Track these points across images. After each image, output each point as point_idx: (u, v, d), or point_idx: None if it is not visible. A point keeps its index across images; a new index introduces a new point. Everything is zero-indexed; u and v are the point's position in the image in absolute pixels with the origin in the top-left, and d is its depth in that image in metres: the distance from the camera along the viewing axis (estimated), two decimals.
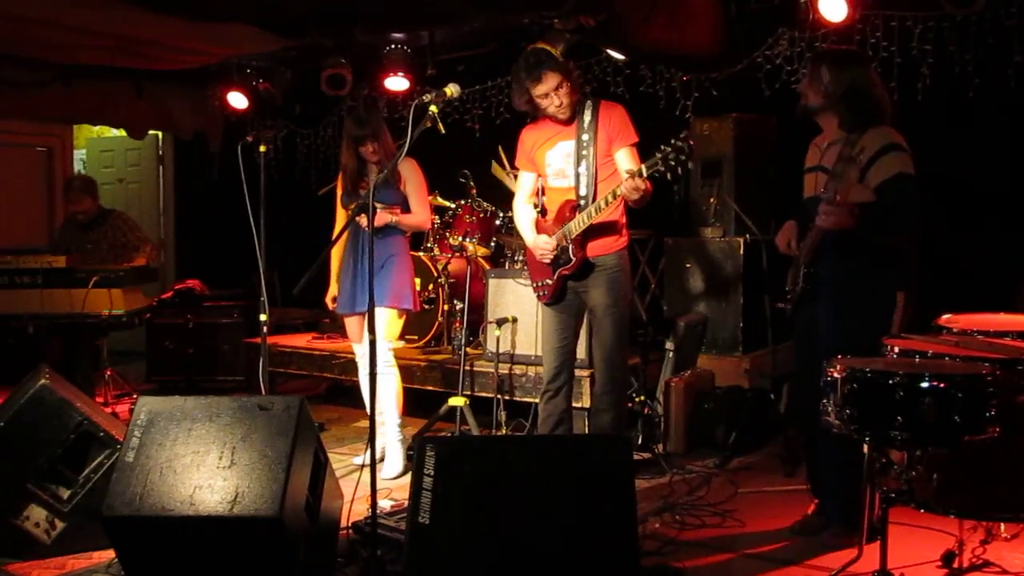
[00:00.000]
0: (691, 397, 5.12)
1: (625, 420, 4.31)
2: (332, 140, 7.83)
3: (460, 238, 5.56)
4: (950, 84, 5.15)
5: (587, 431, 4.69)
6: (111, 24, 5.71)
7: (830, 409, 3.03)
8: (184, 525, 2.95)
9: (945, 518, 3.30)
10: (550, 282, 4.14)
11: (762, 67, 5.71)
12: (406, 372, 5.53)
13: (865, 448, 3.09)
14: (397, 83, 6.68)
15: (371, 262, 3.34)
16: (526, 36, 5.84)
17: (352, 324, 4.70)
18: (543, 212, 4.39)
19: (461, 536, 2.78)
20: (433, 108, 3.51)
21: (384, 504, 3.98)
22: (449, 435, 4.97)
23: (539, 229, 4.21)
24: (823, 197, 3.47)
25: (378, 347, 3.42)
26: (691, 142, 3.58)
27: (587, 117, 4.03)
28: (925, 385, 2.84)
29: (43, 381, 3.68)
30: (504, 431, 5.03)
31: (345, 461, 4.76)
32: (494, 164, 5.83)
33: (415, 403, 5.73)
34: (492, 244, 5.65)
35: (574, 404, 4.61)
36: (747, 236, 5.67)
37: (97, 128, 9.39)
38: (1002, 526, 3.45)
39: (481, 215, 5.58)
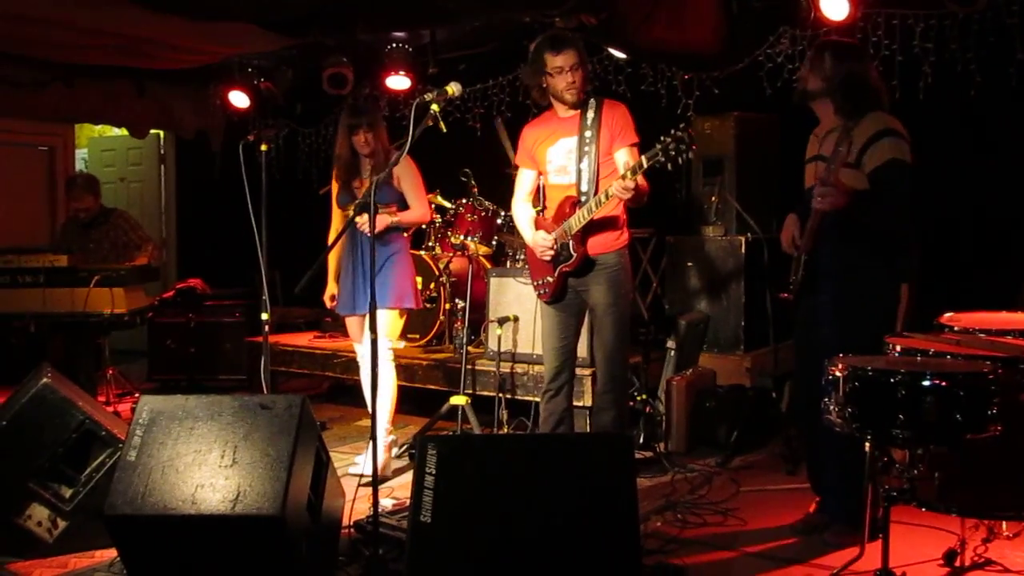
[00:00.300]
0: (693, 396, 5.12)
1: (627, 419, 4.31)
2: (333, 139, 7.76)
3: (462, 237, 5.56)
4: (952, 83, 5.15)
5: (588, 430, 4.69)
6: (113, 23, 5.71)
7: (832, 408, 3.03)
8: (186, 524, 2.95)
9: (947, 516, 3.30)
10: (551, 280, 4.14)
11: (764, 65, 5.70)
12: (407, 371, 5.54)
13: (867, 446, 3.09)
14: (398, 82, 6.67)
15: (372, 262, 3.34)
16: (527, 35, 5.83)
17: (353, 324, 4.69)
18: (543, 209, 4.39)
19: (463, 535, 2.78)
20: (435, 107, 3.51)
21: (386, 503, 3.98)
22: (451, 434, 4.97)
23: (538, 227, 4.20)
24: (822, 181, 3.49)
25: (375, 348, 3.42)
26: (691, 132, 3.56)
27: (590, 114, 4.03)
28: (927, 384, 2.84)
29: (45, 380, 3.68)
30: (505, 430, 5.03)
31: (347, 460, 4.76)
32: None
33: (416, 402, 5.74)
34: (493, 243, 5.66)
35: (576, 403, 4.61)
36: (749, 235, 5.67)
37: (99, 127, 9.40)
38: (1004, 524, 3.44)
39: (482, 214, 5.58)
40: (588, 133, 4.02)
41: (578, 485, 2.81)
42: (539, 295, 4.25)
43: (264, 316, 4.22)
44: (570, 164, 4.07)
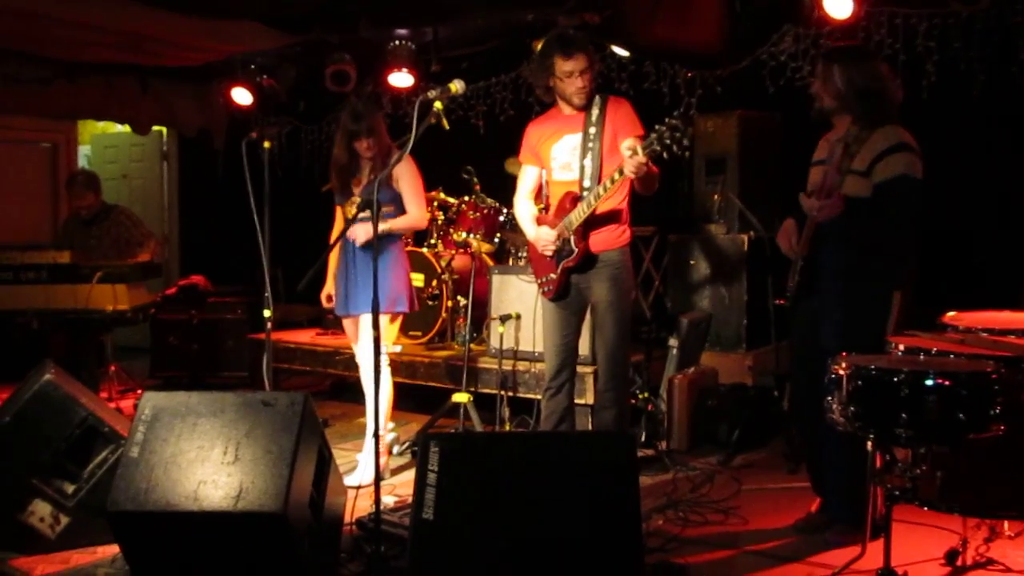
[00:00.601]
0: (694, 394, 5.12)
1: (628, 417, 4.30)
2: (335, 137, 7.82)
3: (464, 234, 5.56)
4: (955, 82, 5.14)
5: (590, 428, 4.69)
6: (116, 20, 5.72)
7: (834, 407, 3.03)
8: (188, 520, 2.95)
9: (949, 516, 3.30)
10: (554, 277, 4.14)
11: (767, 64, 5.70)
12: (409, 368, 5.55)
13: (869, 446, 3.09)
14: (401, 79, 6.67)
15: (375, 263, 3.34)
16: (530, 33, 5.85)
17: (348, 326, 4.67)
18: (546, 208, 4.39)
19: (465, 532, 2.78)
20: (438, 104, 3.51)
21: (388, 500, 3.98)
22: (453, 432, 4.97)
23: (540, 223, 4.20)
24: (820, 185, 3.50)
25: (373, 354, 3.42)
26: (685, 122, 3.53)
27: (595, 112, 4.03)
28: (930, 383, 2.84)
29: (48, 377, 3.68)
30: (507, 428, 5.03)
31: (349, 457, 4.76)
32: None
33: (418, 399, 5.75)
34: (496, 240, 5.66)
35: (577, 401, 4.61)
36: (751, 233, 5.66)
37: (101, 124, 9.39)
38: (1006, 524, 3.44)
39: (485, 211, 5.59)
40: (592, 130, 4.02)
41: (580, 483, 2.81)
42: (543, 292, 4.25)
43: (266, 313, 4.21)
44: (574, 161, 4.07)
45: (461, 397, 4.88)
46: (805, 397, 3.64)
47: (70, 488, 3.62)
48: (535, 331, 5.04)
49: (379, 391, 3.49)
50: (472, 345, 5.26)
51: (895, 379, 2.87)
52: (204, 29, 5.93)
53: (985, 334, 3.39)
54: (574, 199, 4.02)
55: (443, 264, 5.80)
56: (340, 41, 6.53)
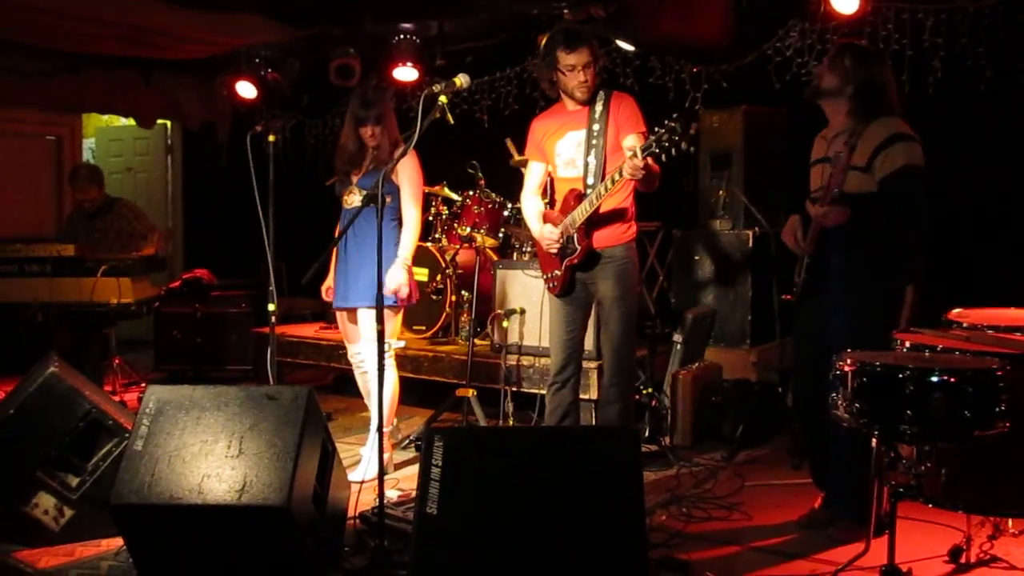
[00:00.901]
0: (698, 390, 5.12)
1: (632, 412, 4.30)
2: (340, 130, 7.81)
3: (468, 229, 5.55)
4: (962, 77, 5.13)
5: (594, 423, 4.68)
6: (120, 13, 5.72)
7: (839, 403, 3.02)
8: (192, 514, 2.95)
9: (953, 513, 3.30)
10: (559, 273, 4.14)
11: (772, 59, 5.69)
12: (413, 362, 5.55)
13: (874, 442, 3.09)
14: (406, 73, 6.66)
15: (379, 256, 3.33)
16: (535, 27, 5.84)
17: (343, 320, 4.58)
18: (551, 204, 4.39)
19: (469, 527, 2.78)
20: (442, 99, 3.49)
21: (391, 494, 3.99)
22: (457, 426, 4.98)
23: (546, 220, 4.20)
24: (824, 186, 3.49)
25: (376, 344, 3.41)
26: (687, 122, 3.51)
27: (599, 107, 4.02)
28: (935, 380, 2.83)
29: (52, 369, 3.68)
30: (511, 422, 5.03)
31: (352, 451, 4.77)
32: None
33: (422, 394, 5.75)
34: (500, 235, 5.65)
35: (582, 396, 4.60)
36: (756, 229, 5.65)
37: (106, 117, 9.41)
38: (1010, 522, 3.44)
39: (489, 206, 5.58)
40: (596, 126, 4.01)
41: (584, 478, 2.81)
42: (548, 288, 4.25)
43: (270, 307, 4.21)
44: (578, 157, 4.06)
45: (465, 392, 4.88)
46: (809, 393, 3.64)
47: (74, 481, 3.62)
48: (539, 326, 5.04)
49: (383, 385, 3.49)
50: (476, 340, 5.26)
51: (900, 376, 2.86)
52: (208, 22, 5.93)
53: (991, 331, 3.38)
54: (578, 196, 4.02)
55: (447, 259, 5.79)
56: (344, 35, 6.53)
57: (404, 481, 4.34)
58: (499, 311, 5.31)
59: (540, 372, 5.06)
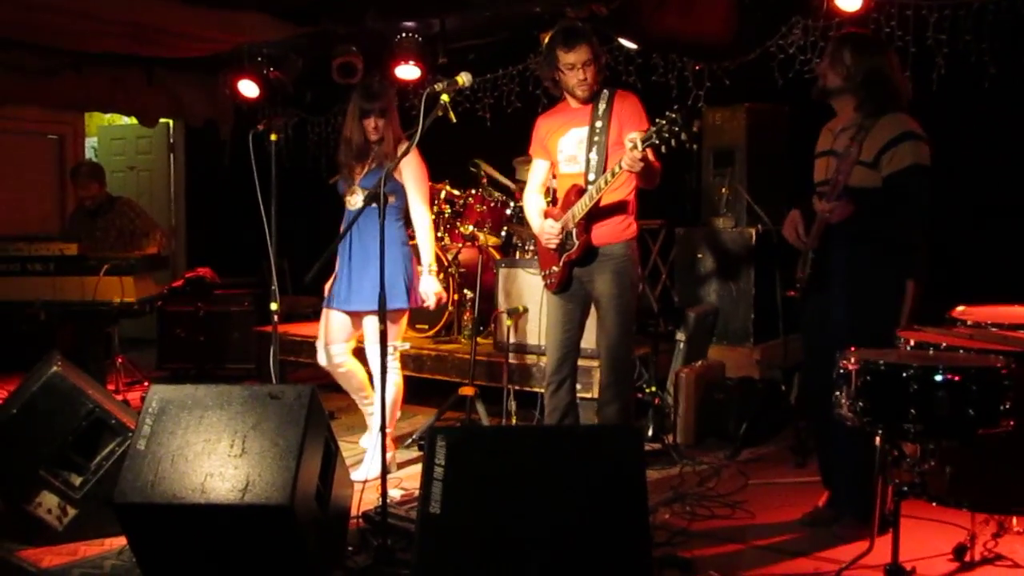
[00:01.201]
0: (701, 388, 5.11)
1: (632, 412, 4.27)
2: (343, 128, 7.81)
3: (471, 227, 5.55)
4: (966, 74, 5.11)
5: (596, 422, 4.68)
6: (123, 11, 5.72)
7: (843, 401, 3.01)
8: (195, 513, 2.95)
9: (957, 511, 3.29)
10: (556, 269, 4.13)
11: (775, 56, 5.68)
12: (416, 361, 5.54)
13: (877, 440, 3.08)
14: (408, 71, 6.65)
15: (382, 256, 3.32)
16: (538, 25, 5.83)
17: (334, 318, 4.45)
18: (554, 201, 4.38)
19: (472, 526, 2.77)
20: (445, 97, 3.49)
21: (394, 493, 3.99)
22: (459, 425, 4.97)
23: (546, 216, 4.20)
24: (830, 181, 3.47)
25: (380, 349, 3.41)
26: (686, 113, 3.50)
27: (602, 105, 4.02)
28: (939, 378, 2.83)
29: (55, 368, 3.69)
30: (514, 421, 5.02)
31: (355, 450, 4.77)
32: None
33: (425, 393, 5.75)
34: (503, 234, 5.64)
35: (584, 395, 4.60)
36: (759, 226, 5.64)
37: (108, 115, 9.41)
38: (1014, 520, 3.43)
39: (492, 204, 5.58)
40: (599, 123, 4.01)
41: (587, 477, 2.80)
42: (546, 285, 4.24)
43: (273, 306, 4.21)
44: (580, 154, 4.06)
45: (467, 391, 4.88)
46: (816, 390, 3.63)
47: (77, 480, 3.63)
48: (542, 325, 5.03)
49: (385, 385, 3.49)
50: (479, 339, 5.25)
51: (904, 374, 2.86)
52: (211, 20, 5.93)
53: (995, 329, 3.37)
54: (579, 191, 4.01)
55: (450, 257, 5.79)
56: (347, 33, 6.52)
57: (407, 480, 4.34)
58: (502, 310, 5.31)
59: (543, 371, 5.03)
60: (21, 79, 7.01)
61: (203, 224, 9.07)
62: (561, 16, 5.44)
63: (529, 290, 5.23)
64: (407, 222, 4.46)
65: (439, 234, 6.02)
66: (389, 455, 4.41)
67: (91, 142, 9.43)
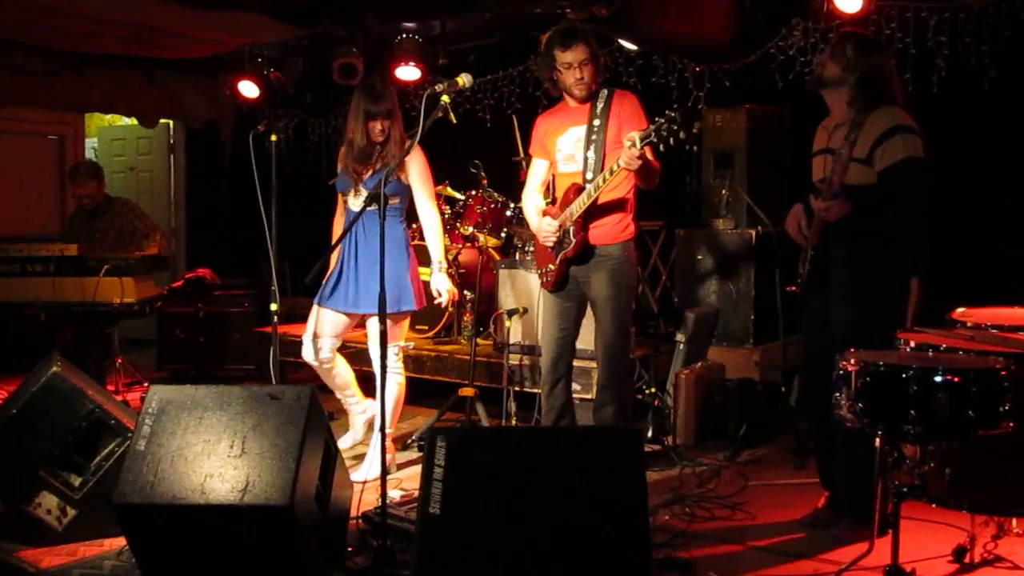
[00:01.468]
0: (701, 389, 5.11)
1: (629, 414, 4.26)
2: (343, 129, 7.82)
3: (471, 228, 5.55)
4: (966, 76, 5.12)
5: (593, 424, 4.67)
6: (123, 12, 5.72)
7: (843, 403, 3.02)
8: (195, 513, 2.95)
9: (957, 513, 3.29)
10: (553, 268, 4.13)
11: (776, 58, 5.68)
12: (416, 362, 5.54)
13: (877, 442, 3.08)
14: (408, 72, 6.65)
15: (382, 258, 3.32)
16: (538, 26, 5.81)
17: (327, 316, 4.41)
18: (553, 200, 4.39)
19: (471, 527, 2.77)
20: (445, 98, 3.49)
21: (394, 494, 3.99)
22: (459, 426, 4.97)
23: (544, 215, 4.20)
24: (827, 179, 3.48)
25: (380, 346, 3.41)
26: (685, 112, 3.51)
27: (600, 105, 4.03)
28: (939, 379, 2.83)
29: (55, 369, 3.69)
30: (514, 422, 5.02)
31: (355, 450, 4.76)
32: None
33: (425, 393, 5.75)
34: (503, 235, 5.64)
35: (584, 396, 4.60)
36: (759, 228, 5.65)
37: (108, 116, 9.41)
38: (1014, 521, 3.42)
39: (492, 205, 5.58)
40: (597, 122, 4.01)
41: (587, 478, 2.80)
42: (543, 283, 4.24)
43: (273, 306, 4.20)
44: (578, 152, 4.07)
45: (467, 392, 4.88)
46: (816, 390, 3.63)
47: (77, 480, 3.63)
48: (541, 326, 5.03)
49: (385, 385, 3.49)
50: (478, 339, 5.25)
51: (904, 375, 2.86)
52: (211, 21, 5.93)
53: (995, 330, 3.37)
54: (578, 190, 4.02)
55: (450, 258, 5.79)
56: (347, 34, 6.52)
57: (407, 481, 4.34)
58: (502, 311, 5.31)
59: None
60: (21, 80, 7.01)
61: (203, 225, 9.07)
62: (561, 17, 5.44)
63: (529, 291, 5.23)
64: (410, 223, 4.48)
65: None
66: (389, 456, 4.41)
67: (91, 143, 9.42)
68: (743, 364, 5.52)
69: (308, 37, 6.57)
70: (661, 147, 3.56)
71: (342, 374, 4.57)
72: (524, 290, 5.28)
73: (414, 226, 4.76)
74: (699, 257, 5.87)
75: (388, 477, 3.42)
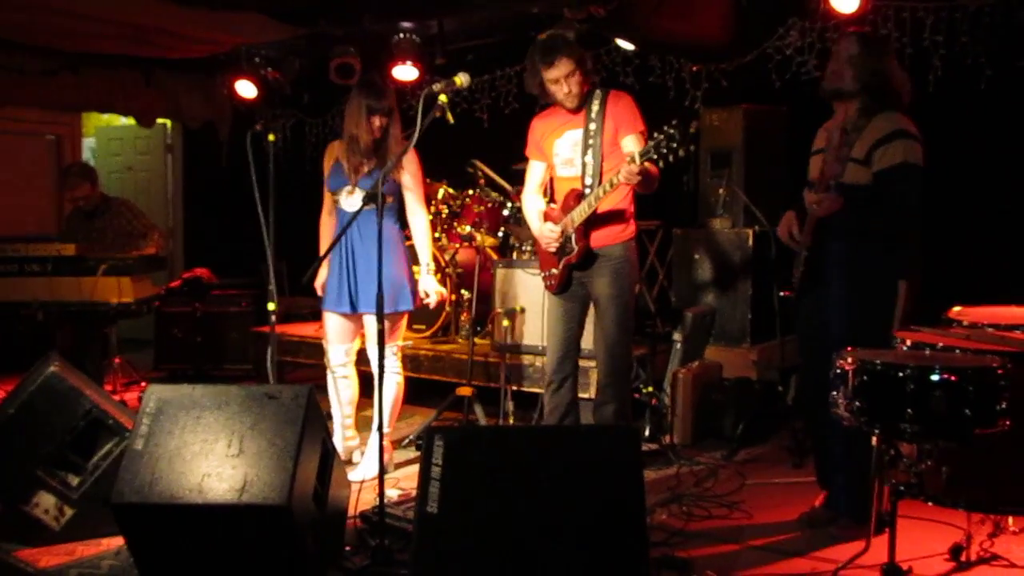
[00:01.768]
0: (699, 388, 5.12)
1: (629, 412, 4.27)
2: (341, 129, 7.82)
3: (468, 228, 5.55)
4: (962, 76, 5.13)
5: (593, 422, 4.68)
6: (121, 12, 5.71)
7: (840, 401, 3.02)
8: (192, 513, 2.95)
9: (953, 511, 3.30)
10: (556, 272, 4.14)
11: (772, 57, 5.69)
12: (413, 361, 5.54)
13: (874, 441, 3.09)
14: (406, 72, 6.65)
15: (380, 258, 3.32)
16: (536, 25, 5.83)
17: (334, 321, 4.44)
18: (553, 200, 4.39)
19: (469, 526, 2.78)
20: (443, 97, 3.49)
21: (392, 493, 3.99)
22: (457, 425, 4.98)
23: (547, 219, 4.21)
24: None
25: (379, 350, 3.41)
26: (686, 128, 3.50)
27: (595, 107, 4.02)
28: (936, 378, 2.83)
29: (53, 369, 3.69)
30: (511, 421, 5.03)
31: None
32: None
33: (422, 393, 5.75)
34: (500, 234, 5.65)
35: (582, 395, 4.60)
36: (756, 227, 5.65)
37: (106, 116, 9.40)
38: (1010, 519, 3.44)
39: (489, 205, 5.58)
40: (593, 126, 4.01)
41: (584, 477, 2.81)
42: (546, 286, 4.25)
43: (271, 306, 4.21)
44: (576, 157, 4.07)
45: (465, 391, 4.88)
46: (812, 390, 3.64)
47: (75, 480, 3.63)
48: (539, 325, 5.04)
49: (383, 384, 3.49)
50: (476, 339, 5.26)
51: (901, 374, 2.87)
52: (209, 21, 5.92)
53: (991, 329, 3.38)
54: (578, 196, 4.03)
55: (447, 258, 5.79)
56: (344, 34, 6.52)
57: (404, 480, 4.35)
58: (499, 310, 5.31)
59: (540, 371, 5.06)
60: (19, 80, 7.00)
61: (201, 225, 9.07)
62: (559, 17, 5.44)
63: (526, 290, 5.23)
64: (403, 223, 4.47)
65: (437, 234, 6.02)
66: (387, 455, 4.42)
67: (89, 143, 9.42)
68: (740, 363, 5.52)
69: (305, 37, 6.57)
70: (660, 163, 3.57)
71: (351, 389, 4.55)
72: (521, 290, 5.28)
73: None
74: (696, 256, 5.88)
75: (386, 476, 3.42)
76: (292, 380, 6.27)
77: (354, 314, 4.39)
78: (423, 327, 5.90)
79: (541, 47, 3.97)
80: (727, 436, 4.99)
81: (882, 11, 5.26)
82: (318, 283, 4.56)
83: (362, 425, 5.15)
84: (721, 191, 5.84)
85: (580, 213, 3.97)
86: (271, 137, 4.25)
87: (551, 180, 4.40)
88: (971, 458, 3.13)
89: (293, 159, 8.06)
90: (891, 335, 3.36)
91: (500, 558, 2.74)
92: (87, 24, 5.85)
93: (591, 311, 4.29)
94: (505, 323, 5.19)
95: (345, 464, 4.65)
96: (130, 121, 8.63)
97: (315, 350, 6.10)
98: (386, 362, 3.45)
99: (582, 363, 4.42)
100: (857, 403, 2.95)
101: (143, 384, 6.30)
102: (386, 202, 4.17)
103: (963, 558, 3.27)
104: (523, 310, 5.24)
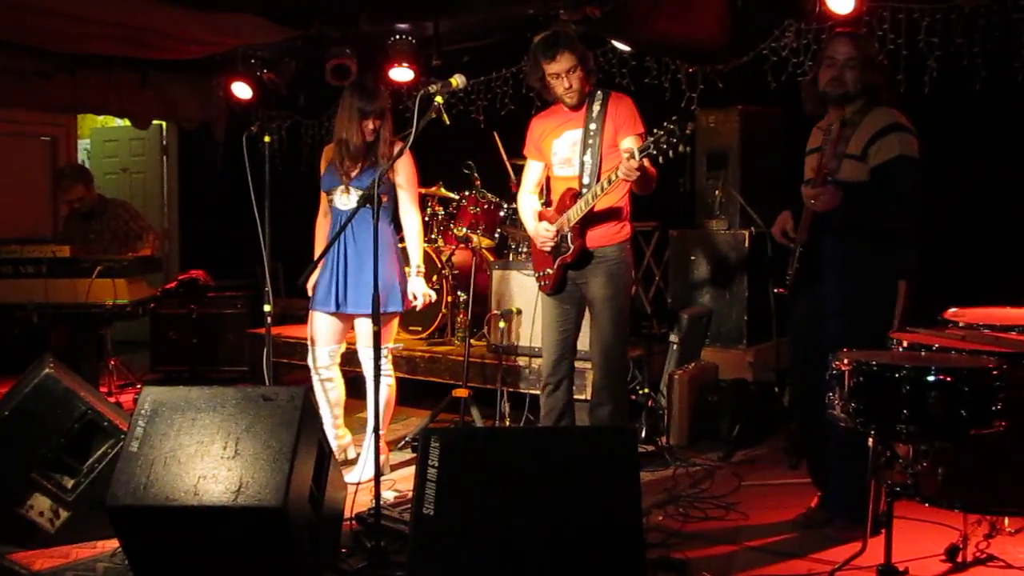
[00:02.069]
0: (695, 390, 5.12)
1: (625, 414, 4.27)
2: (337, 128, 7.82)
3: (465, 229, 5.55)
4: (957, 77, 5.14)
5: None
6: (116, 13, 5.70)
7: (836, 402, 3.02)
8: (188, 515, 2.95)
9: (950, 512, 3.31)
10: (551, 271, 4.13)
11: (768, 59, 5.70)
12: (409, 363, 5.54)
13: (870, 441, 3.09)
14: (402, 74, 6.65)
15: (375, 259, 3.31)
16: (532, 27, 5.83)
17: (322, 321, 4.37)
18: (548, 203, 4.39)
19: (465, 527, 2.77)
20: (439, 99, 3.49)
21: (388, 495, 3.98)
22: (453, 426, 4.97)
23: (541, 218, 4.20)
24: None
25: (373, 352, 3.40)
26: (684, 124, 3.49)
27: (596, 107, 4.02)
28: (932, 379, 2.84)
29: (48, 370, 3.68)
30: (507, 423, 5.03)
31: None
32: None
33: (418, 394, 5.75)
34: (496, 235, 5.65)
35: (578, 396, 4.60)
36: (752, 228, 5.66)
37: (101, 117, 9.38)
38: (1006, 520, 3.45)
39: (486, 206, 5.58)
40: (593, 126, 4.01)
41: (581, 478, 2.81)
42: (540, 287, 4.25)
43: (267, 308, 4.20)
44: (574, 156, 4.06)
45: (461, 392, 4.88)
46: (807, 390, 3.64)
47: (70, 482, 3.62)
48: (535, 327, 5.03)
49: (379, 386, 3.48)
50: (472, 340, 5.25)
51: (897, 375, 2.87)
52: (204, 22, 5.92)
53: (987, 330, 3.39)
54: (574, 195, 4.02)
55: (443, 259, 5.79)
56: (340, 35, 6.52)
57: (400, 482, 4.34)
58: (495, 312, 5.31)
59: (536, 373, 5.05)
60: (14, 81, 6.99)
61: (196, 226, 9.06)
62: (555, 19, 5.45)
63: (523, 292, 5.23)
64: (398, 225, 4.47)
65: (433, 236, 6.02)
66: (383, 457, 4.41)
67: (84, 144, 9.40)
68: (736, 364, 5.53)
69: (301, 38, 6.56)
70: (660, 159, 3.56)
71: (337, 390, 4.52)
72: (518, 291, 5.28)
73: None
74: (692, 258, 5.88)
75: (382, 478, 3.42)
76: (288, 382, 6.26)
77: (341, 314, 4.35)
78: (419, 329, 5.90)
79: (543, 42, 3.98)
80: (723, 437, 4.99)
81: (877, 12, 5.27)
82: (310, 284, 4.54)
83: (353, 428, 5.15)
84: (717, 192, 5.84)
85: (577, 211, 3.96)
86: (267, 139, 4.24)
87: (547, 180, 4.40)
88: (967, 459, 3.13)
89: (289, 161, 8.05)
90: (888, 335, 3.36)
91: (496, 559, 2.73)
92: (83, 26, 5.84)
93: (587, 313, 4.29)
94: (501, 325, 5.19)
95: (340, 463, 4.66)
96: (125, 123, 8.63)
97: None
98: (372, 359, 3.43)
99: (578, 365, 4.42)
100: (853, 404, 2.95)
101: (138, 386, 6.29)
102: (382, 202, 4.16)
103: (959, 559, 3.27)
104: (519, 312, 5.23)
